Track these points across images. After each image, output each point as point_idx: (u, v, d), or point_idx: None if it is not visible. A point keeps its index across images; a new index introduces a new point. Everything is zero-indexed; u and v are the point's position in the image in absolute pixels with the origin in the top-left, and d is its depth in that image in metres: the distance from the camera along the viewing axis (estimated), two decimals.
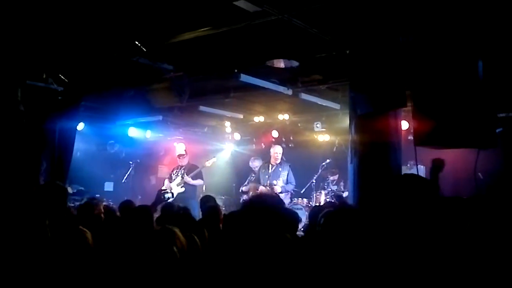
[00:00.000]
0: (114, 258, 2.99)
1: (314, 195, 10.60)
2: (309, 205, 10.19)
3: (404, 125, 7.89)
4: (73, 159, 8.94)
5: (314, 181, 10.85)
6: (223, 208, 6.68)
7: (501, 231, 2.61)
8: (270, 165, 10.23)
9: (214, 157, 11.50)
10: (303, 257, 2.49)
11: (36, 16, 5.73)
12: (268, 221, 2.48)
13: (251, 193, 10.10)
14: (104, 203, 6.38)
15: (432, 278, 2.41)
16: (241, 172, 12.35)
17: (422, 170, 6.53)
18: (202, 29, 6.03)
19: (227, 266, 2.50)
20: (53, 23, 5.96)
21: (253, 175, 10.94)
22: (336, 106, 9.65)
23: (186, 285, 2.62)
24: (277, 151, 10.26)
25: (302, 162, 11.27)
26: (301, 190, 10.78)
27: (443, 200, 3.22)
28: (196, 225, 4.17)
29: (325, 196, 10.46)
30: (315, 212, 5.04)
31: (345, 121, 7.62)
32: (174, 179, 10.73)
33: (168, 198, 9.91)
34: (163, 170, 13.86)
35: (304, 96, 8.80)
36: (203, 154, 12.48)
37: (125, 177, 12.16)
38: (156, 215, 5.66)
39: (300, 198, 10.63)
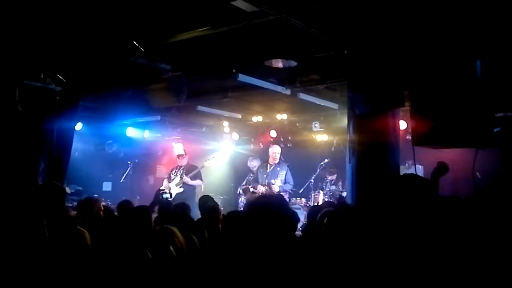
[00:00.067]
0: (112, 258, 2.99)
1: (313, 195, 10.61)
2: (308, 205, 10.19)
3: (402, 125, 7.90)
4: (71, 159, 8.94)
5: (312, 181, 10.85)
6: (222, 208, 6.68)
7: (499, 230, 2.62)
8: (269, 165, 10.23)
9: (213, 157, 11.50)
10: (306, 257, 2.49)
11: (34, 16, 5.73)
12: (272, 222, 2.47)
13: (247, 195, 10.11)
14: (103, 203, 6.38)
15: (431, 277, 2.41)
16: (240, 172, 12.35)
17: (420, 170, 6.54)
18: (200, 29, 6.03)
19: (228, 266, 2.50)
20: (51, 23, 5.95)
21: (251, 175, 10.95)
22: (334, 106, 9.66)
23: (183, 285, 2.62)
24: (275, 151, 10.27)
25: (300, 162, 11.27)
26: (300, 190, 10.79)
27: (441, 199, 3.22)
28: (195, 225, 4.16)
29: (323, 196, 10.47)
30: (313, 212, 5.04)
31: (343, 121, 7.62)
32: (173, 179, 10.73)
33: (167, 198, 9.94)
34: (161, 170, 13.86)
35: (302, 96, 8.80)
36: (201, 154, 12.48)
37: (123, 177, 12.14)
38: (154, 215, 5.67)
39: (298, 198, 10.64)
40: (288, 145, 11.94)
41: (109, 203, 9.12)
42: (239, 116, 11.36)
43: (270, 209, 2.55)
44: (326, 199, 10.15)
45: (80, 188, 11.10)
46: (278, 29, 5.79)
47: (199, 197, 6.92)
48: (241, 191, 11.01)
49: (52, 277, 2.85)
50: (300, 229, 6.84)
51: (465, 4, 4.29)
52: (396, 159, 5.58)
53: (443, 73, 4.21)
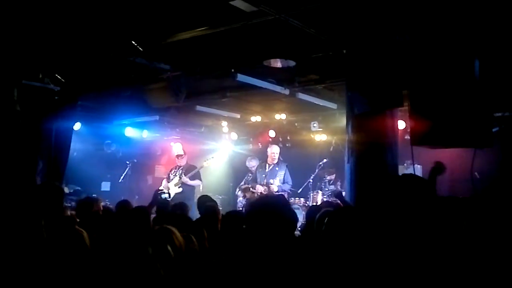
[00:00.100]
0: (110, 258, 2.99)
1: (311, 194, 10.60)
2: (306, 204, 10.18)
3: (401, 124, 7.90)
4: (69, 159, 8.94)
5: (311, 180, 10.84)
6: (220, 208, 6.67)
7: (497, 230, 2.62)
8: (267, 165, 10.23)
9: (212, 157, 11.50)
10: (307, 257, 2.49)
11: (33, 16, 5.72)
12: (275, 222, 2.47)
13: (247, 194, 10.10)
14: (102, 203, 6.37)
15: (430, 277, 2.41)
16: (238, 172, 12.34)
17: (418, 170, 6.53)
18: (198, 29, 6.03)
19: (229, 266, 2.50)
20: (49, 23, 5.95)
21: (250, 174, 10.94)
22: (333, 105, 9.66)
23: (182, 285, 2.62)
24: (274, 151, 10.27)
25: (299, 162, 11.27)
26: (298, 190, 10.78)
27: (440, 199, 3.22)
28: (194, 225, 4.16)
29: (322, 195, 10.46)
30: (312, 212, 5.04)
31: (342, 121, 7.61)
32: (172, 179, 10.73)
33: (165, 199, 9.93)
34: (160, 170, 13.85)
35: (301, 95, 8.80)
36: (200, 154, 12.48)
37: (122, 177, 12.14)
38: (153, 215, 5.66)
39: (297, 198, 10.63)
40: (287, 145, 11.94)
41: (108, 203, 9.11)
42: (238, 116, 11.36)
43: (273, 208, 2.55)
44: (324, 199, 10.14)
45: (79, 188, 11.10)
46: (276, 29, 5.79)
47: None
48: (239, 192, 11.01)
49: (50, 277, 2.84)
50: (299, 229, 6.84)
51: (464, 4, 4.29)
52: (395, 159, 5.59)
53: (442, 73, 4.22)
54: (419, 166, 6.67)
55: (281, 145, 11.21)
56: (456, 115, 4.12)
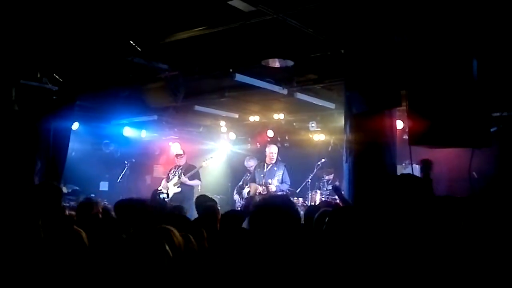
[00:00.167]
0: (109, 257, 2.99)
1: (310, 194, 10.60)
2: (305, 204, 10.18)
3: (399, 124, 7.90)
4: (68, 158, 8.93)
5: (309, 180, 10.83)
6: (219, 208, 6.67)
7: (495, 229, 2.62)
8: (265, 165, 10.22)
9: (211, 157, 11.50)
10: (308, 256, 2.49)
11: (31, 15, 5.71)
12: (281, 221, 2.47)
13: (252, 193, 10.06)
14: (102, 204, 6.36)
15: (429, 276, 2.42)
16: (237, 171, 12.34)
17: (417, 170, 6.54)
18: (197, 29, 6.03)
19: (230, 266, 2.50)
20: (47, 23, 5.94)
21: (248, 174, 10.94)
22: (331, 105, 9.66)
23: (180, 284, 2.61)
24: (272, 151, 10.25)
25: (297, 162, 11.26)
26: (297, 190, 10.78)
27: (438, 199, 3.23)
28: (193, 225, 4.15)
29: (320, 195, 10.46)
30: (310, 211, 5.04)
31: (340, 121, 7.62)
32: (171, 179, 10.71)
33: (163, 199, 9.93)
34: (158, 170, 13.84)
35: (299, 95, 8.80)
36: (198, 153, 12.47)
37: (120, 177, 12.12)
38: None
39: (295, 198, 10.62)
40: (285, 144, 11.94)
41: (106, 203, 9.10)
42: (236, 116, 11.35)
43: (280, 208, 2.55)
44: (323, 199, 10.13)
45: (77, 188, 11.08)
46: (275, 28, 5.79)
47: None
48: (236, 195, 11.03)
49: (49, 277, 2.84)
50: None
51: (462, 4, 4.29)
52: (393, 158, 5.59)
53: (440, 73, 4.22)
54: (417, 166, 6.68)
55: (279, 145, 11.21)
56: (454, 115, 4.13)
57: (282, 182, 10.01)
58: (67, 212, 5.23)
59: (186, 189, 10.53)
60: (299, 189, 10.80)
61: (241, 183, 11.11)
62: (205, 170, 11.51)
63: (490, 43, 5.02)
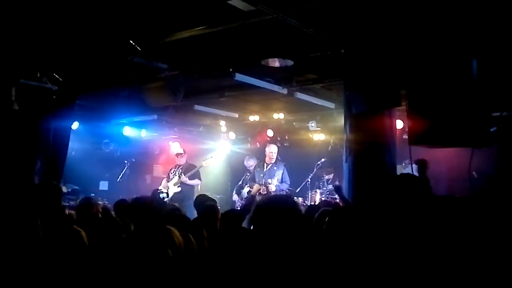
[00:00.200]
0: (109, 257, 2.99)
1: (309, 194, 10.60)
2: (304, 204, 10.18)
3: (399, 124, 7.91)
4: (67, 158, 8.92)
5: (309, 180, 10.83)
6: (219, 207, 6.66)
7: (495, 229, 2.62)
8: (265, 164, 10.20)
9: (211, 156, 11.49)
10: (308, 256, 2.50)
11: (31, 15, 5.71)
12: (284, 222, 2.47)
13: (253, 192, 10.05)
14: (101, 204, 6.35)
15: (429, 275, 2.42)
16: (236, 171, 12.34)
17: (416, 169, 6.55)
18: (196, 28, 6.03)
19: (231, 265, 2.50)
20: (47, 22, 5.94)
21: (248, 174, 10.94)
22: (331, 105, 9.66)
23: (180, 284, 2.62)
24: (272, 150, 10.24)
25: (297, 161, 11.26)
26: (296, 189, 10.78)
27: (437, 199, 3.23)
28: (193, 225, 4.15)
29: (320, 195, 10.46)
30: (310, 211, 5.05)
31: (340, 120, 7.62)
32: (172, 179, 10.69)
33: (163, 198, 9.93)
34: (158, 169, 13.85)
35: (299, 95, 8.81)
36: (198, 153, 12.47)
37: (120, 176, 12.12)
38: None
39: (295, 197, 10.62)
40: (285, 144, 11.94)
41: (106, 202, 9.11)
42: (236, 115, 11.35)
43: (283, 208, 2.55)
44: (322, 198, 10.14)
45: (77, 188, 11.08)
46: (274, 28, 5.79)
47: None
48: (235, 196, 11.03)
49: (48, 276, 2.84)
50: None
51: (461, 4, 4.29)
52: (393, 158, 5.60)
53: (440, 73, 4.22)
54: (416, 165, 6.69)
55: (279, 145, 11.20)
56: (454, 115, 4.13)
57: (282, 181, 10.00)
58: (67, 212, 5.23)
59: (186, 188, 10.52)
60: (299, 189, 10.80)
61: (240, 182, 11.11)
62: (204, 170, 11.52)
63: (490, 43, 5.02)
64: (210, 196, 7.04)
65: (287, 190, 10.33)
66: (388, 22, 5.01)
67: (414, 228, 2.65)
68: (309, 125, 10.97)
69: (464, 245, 2.59)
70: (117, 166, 12.47)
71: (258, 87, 8.27)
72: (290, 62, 7.08)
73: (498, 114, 7.56)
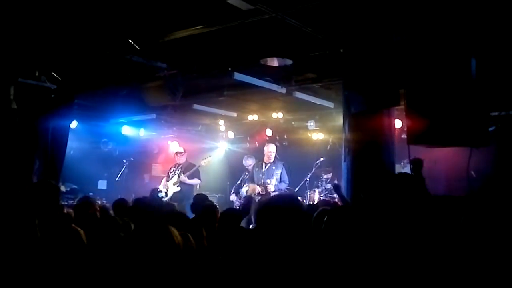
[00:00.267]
0: (108, 256, 2.99)
1: (308, 193, 10.60)
2: (303, 203, 10.18)
3: (398, 123, 7.92)
4: (66, 157, 8.91)
5: (308, 179, 10.84)
6: (217, 207, 6.69)
7: (493, 229, 2.63)
8: (264, 164, 10.19)
9: (210, 156, 11.47)
10: (308, 255, 2.50)
11: (29, 13, 5.70)
12: (288, 221, 2.47)
13: (249, 193, 10.05)
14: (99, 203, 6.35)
15: (428, 275, 2.42)
16: (235, 170, 12.34)
17: (411, 169, 6.56)
18: (195, 27, 6.02)
19: (231, 265, 2.50)
20: (46, 21, 5.93)
21: (246, 173, 10.94)
22: (330, 104, 9.67)
23: (179, 283, 2.62)
24: (270, 150, 10.24)
25: (296, 161, 11.26)
26: (295, 189, 10.78)
27: (436, 198, 3.24)
28: (192, 224, 4.15)
29: (319, 194, 10.47)
30: (309, 210, 5.05)
31: (339, 120, 7.63)
32: (171, 178, 10.66)
33: (162, 198, 9.91)
34: (156, 169, 13.84)
35: (298, 94, 8.81)
36: (197, 152, 12.46)
37: (118, 176, 12.12)
38: None
39: None
40: (284, 143, 11.94)
41: (105, 201, 9.10)
42: (235, 114, 11.35)
43: (288, 207, 2.55)
44: (321, 198, 10.14)
45: (75, 187, 11.08)
46: (273, 27, 5.79)
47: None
48: (233, 195, 11.03)
49: (47, 275, 2.84)
50: None
51: (460, 3, 4.30)
52: (392, 157, 5.60)
53: (439, 72, 4.22)
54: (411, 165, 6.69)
55: (278, 144, 11.19)
56: (452, 114, 4.13)
57: (280, 181, 9.99)
58: (65, 211, 5.23)
59: (185, 188, 10.49)
60: (297, 188, 10.80)
61: (239, 182, 11.10)
62: (203, 169, 11.50)
63: (489, 42, 5.02)
64: (208, 195, 7.06)
65: (286, 190, 10.32)
66: (387, 21, 5.02)
67: (412, 227, 2.66)
68: (308, 124, 10.98)
69: (462, 244, 2.59)
70: (115, 165, 12.46)
71: (257, 86, 8.27)
72: (289, 62, 7.08)
73: (496, 113, 7.57)
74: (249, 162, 11.10)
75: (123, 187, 12.00)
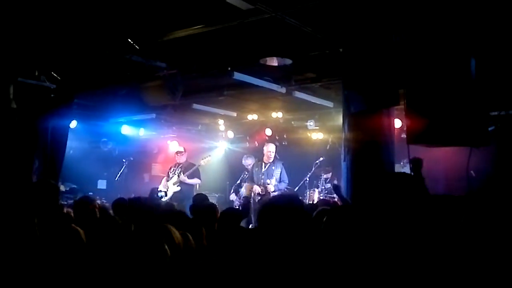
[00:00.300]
0: (108, 255, 2.99)
1: (308, 193, 10.61)
2: None
3: (397, 123, 7.92)
4: (66, 157, 8.91)
5: (307, 179, 10.84)
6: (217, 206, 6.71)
7: (493, 229, 2.63)
8: (263, 163, 10.18)
9: (209, 155, 11.47)
10: (308, 255, 2.50)
11: (29, 13, 5.70)
12: (290, 221, 2.47)
13: (248, 193, 10.05)
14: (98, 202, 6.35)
15: (428, 275, 2.42)
16: (235, 170, 12.34)
17: (411, 168, 6.56)
18: (195, 27, 6.02)
19: (229, 264, 2.50)
20: (45, 20, 5.93)
21: (246, 173, 10.93)
22: (329, 104, 9.67)
23: (179, 282, 2.62)
24: (270, 149, 10.23)
25: (295, 160, 11.26)
26: (295, 188, 10.78)
27: (435, 198, 3.23)
28: (192, 223, 4.15)
29: (318, 194, 10.47)
30: (308, 210, 5.05)
31: (338, 119, 7.63)
32: (171, 178, 10.65)
33: (161, 197, 9.92)
34: (156, 168, 13.83)
35: (298, 94, 8.81)
36: (196, 152, 12.46)
37: (118, 175, 12.11)
38: None
39: None
40: (283, 143, 11.94)
41: (104, 201, 9.10)
42: (235, 114, 11.36)
43: (289, 207, 2.55)
44: (321, 197, 10.15)
45: (75, 186, 11.09)
46: (273, 27, 5.79)
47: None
48: (233, 194, 11.02)
49: (46, 275, 2.84)
50: None
51: (460, 3, 4.30)
52: (391, 157, 5.60)
53: (438, 72, 4.22)
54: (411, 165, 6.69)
55: (277, 144, 11.19)
56: (452, 114, 4.12)
57: (280, 181, 9.99)
58: (65, 210, 5.24)
59: (185, 188, 10.47)
60: (297, 188, 10.80)
61: (238, 181, 11.10)
62: (203, 169, 11.50)
63: (488, 42, 5.03)
64: (208, 194, 7.06)
65: (285, 190, 10.32)
66: (386, 21, 5.01)
67: (411, 227, 2.66)
68: (308, 124, 10.98)
69: (462, 244, 2.59)
70: (115, 165, 12.46)
71: (257, 86, 8.27)
72: (288, 61, 7.09)
73: (496, 113, 7.58)
74: (248, 162, 11.10)
75: (122, 187, 11.99)
